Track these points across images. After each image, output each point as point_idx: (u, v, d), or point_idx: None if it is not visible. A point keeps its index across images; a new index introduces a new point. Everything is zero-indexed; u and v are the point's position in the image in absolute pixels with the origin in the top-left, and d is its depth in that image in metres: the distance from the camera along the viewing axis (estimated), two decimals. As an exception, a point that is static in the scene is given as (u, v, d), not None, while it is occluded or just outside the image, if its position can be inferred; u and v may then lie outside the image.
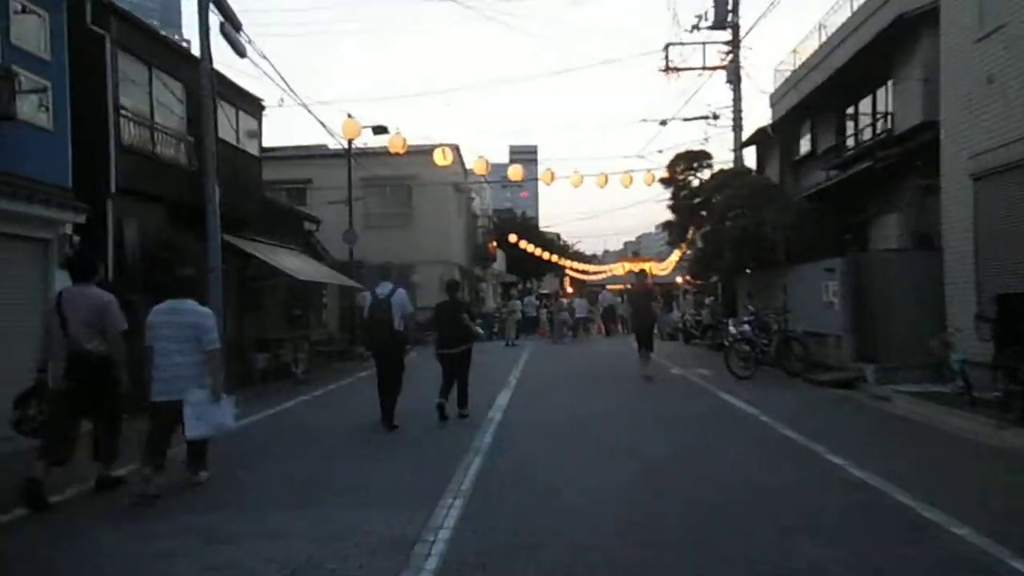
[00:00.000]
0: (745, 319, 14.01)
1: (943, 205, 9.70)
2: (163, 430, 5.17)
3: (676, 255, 42.88)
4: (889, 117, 12.53)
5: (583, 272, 54.34)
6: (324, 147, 24.80)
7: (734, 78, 20.68)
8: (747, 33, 20.34)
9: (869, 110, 13.82)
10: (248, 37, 11.18)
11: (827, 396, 9.67)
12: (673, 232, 18.21)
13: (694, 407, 8.78)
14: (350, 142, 18.44)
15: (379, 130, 18.19)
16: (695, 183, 18.15)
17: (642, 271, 14.17)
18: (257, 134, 14.71)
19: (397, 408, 7.84)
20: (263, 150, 16.18)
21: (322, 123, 17.09)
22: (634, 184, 17.99)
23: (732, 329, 15.27)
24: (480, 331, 9.91)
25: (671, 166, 18.21)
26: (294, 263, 15.77)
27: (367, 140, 19.24)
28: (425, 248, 24.36)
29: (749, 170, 16.87)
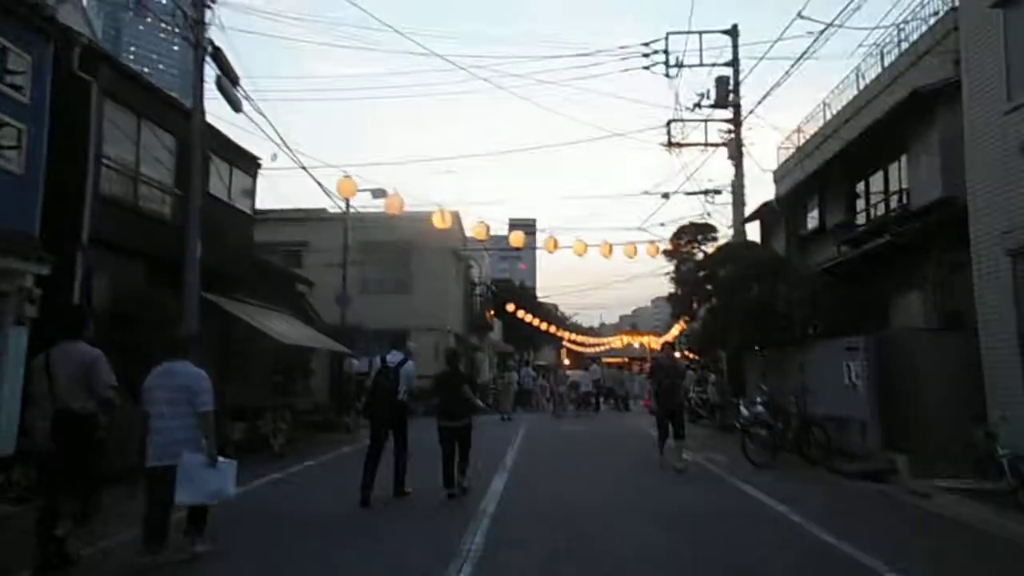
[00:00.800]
0: (758, 399, 13.18)
1: (976, 283, 9.05)
2: (159, 501, 4.93)
3: (676, 329, 42.25)
4: (904, 192, 12.11)
5: (580, 344, 53.49)
6: (323, 211, 24.52)
7: (736, 155, 20.57)
8: (748, 114, 20.45)
9: (881, 185, 13.46)
10: (245, 92, 10.85)
11: (858, 490, 8.70)
12: (676, 305, 17.53)
13: (714, 502, 7.79)
14: (347, 202, 18.03)
15: (378, 193, 17.83)
16: (699, 256, 17.62)
17: (669, 343, 12.50)
18: (251, 192, 14.24)
19: (376, 492, 7.30)
20: (258, 211, 15.78)
21: (319, 182, 16.93)
22: (637, 255, 17.49)
23: (744, 410, 14.38)
24: (481, 404, 9.40)
25: (675, 238, 17.77)
26: (281, 326, 14.99)
27: (366, 204, 18.94)
28: (421, 314, 23.65)
29: (756, 243, 16.36)
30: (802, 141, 17.29)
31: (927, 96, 10.85)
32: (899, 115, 11.32)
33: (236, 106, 10.52)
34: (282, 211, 25.65)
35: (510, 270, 72.63)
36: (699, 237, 17.52)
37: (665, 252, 17.97)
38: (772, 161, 19.08)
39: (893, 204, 12.49)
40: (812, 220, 16.33)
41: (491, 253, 40.35)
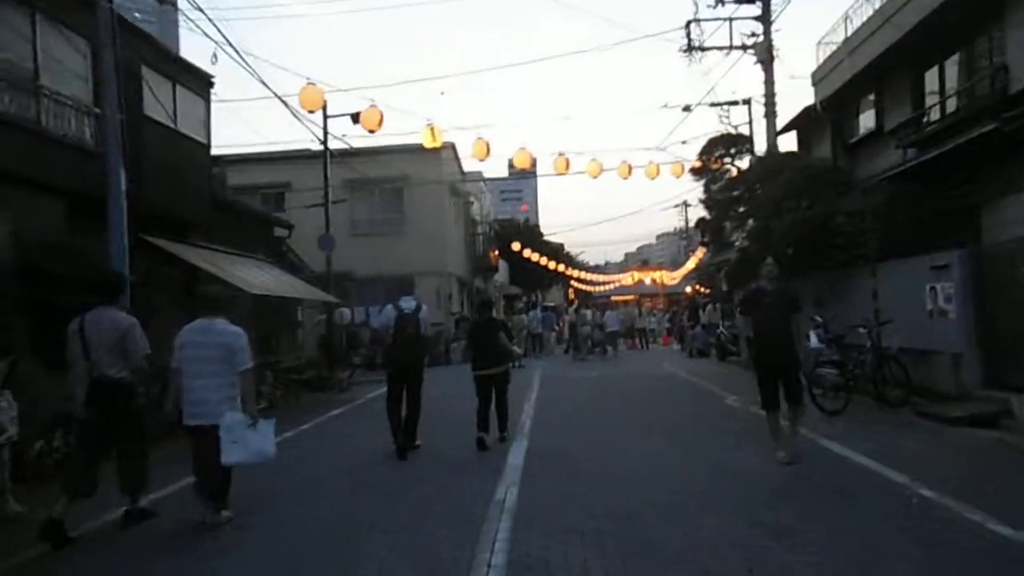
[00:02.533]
0: (812, 333, 11.31)
1: None
2: (204, 458, 4.85)
3: (693, 262, 40.14)
4: (1001, 72, 9.82)
5: (589, 283, 51.62)
6: (307, 151, 22.27)
7: (766, 56, 18.19)
8: (780, 13, 17.90)
9: (961, 70, 11.13)
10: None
11: (972, 441, 6.83)
12: (707, 232, 15.41)
13: (810, 474, 5.84)
14: (324, 123, 15.75)
15: (358, 117, 15.48)
16: (732, 173, 15.39)
17: (772, 260, 6.88)
18: (205, 118, 12.00)
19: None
20: (236, 155, 13.60)
21: (279, 97, 14.08)
22: (659, 175, 15.24)
23: (791, 345, 12.54)
24: (518, 350, 8.92)
25: (704, 153, 15.49)
26: (254, 275, 13.01)
27: (347, 132, 16.75)
28: (419, 258, 21.66)
29: (800, 154, 14.08)
30: (851, 31, 14.78)
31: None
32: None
33: (158, -6, 8.23)
34: (260, 153, 23.51)
35: (512, 212, 70.06)
36: (731, 151, 15.25)
37: (692, 170, 15.74)
38: (802, 68, 16.63)
39: (981, 90, 10.21)
40: (865, 123, 14.05)
41: (491, 193, 37.94)
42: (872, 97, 13.64)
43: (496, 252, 29.14)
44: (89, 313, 4.93)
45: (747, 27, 18.27)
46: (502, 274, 32.17)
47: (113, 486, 5.03)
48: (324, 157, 16.08)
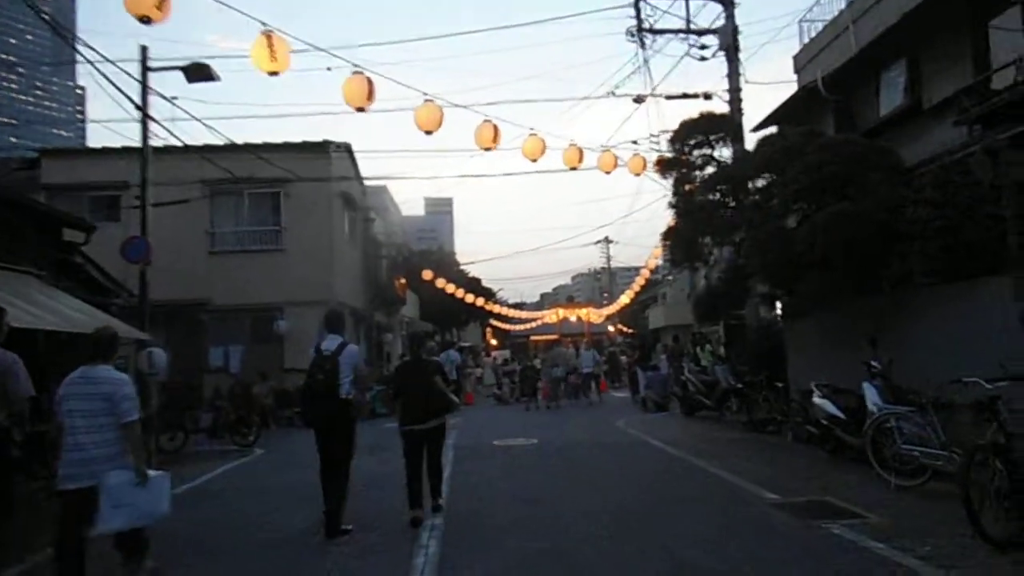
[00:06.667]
0: (870, 385, 7.60)
1: None
2: (75, 528, 4.11)
3: (625, 299, 36.91)
4: None
5: (509, 320, 47.60)
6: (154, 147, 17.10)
7: (730, 42, 15.20)
8: None
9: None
10: None
11: None
12: (678, 246, 11.54)
13: None
14: (144, 83, 10.82)
15: (197, 73, 10.71)
16: (709, 169, 11.69)
17: None
18: None
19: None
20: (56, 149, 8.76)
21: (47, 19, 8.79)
22: (615, 167, 11.37)
23: (823, 402, 8.66)
24: (456, 400, 7.18)
25: (675, 140, 11.73)
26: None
27: (183, 90, 11.94)
28: (299, 283, 16.77)
29: (823, 132, 10.49)
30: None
31: None
32: None
33: None
34: (91, 147, 18.26)
35: (427, 243, 65.51)
36: (710, 138, 11.58)
37: (658, 164, 11.93)
38: (753, 74, 13.48)
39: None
40: (890, 101, 10.77)
41: (405, 232, 33.37)
42: (904, 65, 10.38)
43: (403, 281, 24.44)
44: None
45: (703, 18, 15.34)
46: (411, 308, 27.41)
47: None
48: (142, 125, 11.04)
